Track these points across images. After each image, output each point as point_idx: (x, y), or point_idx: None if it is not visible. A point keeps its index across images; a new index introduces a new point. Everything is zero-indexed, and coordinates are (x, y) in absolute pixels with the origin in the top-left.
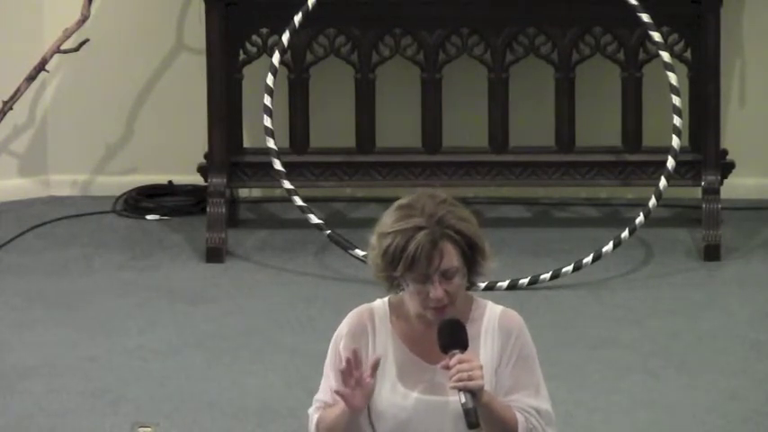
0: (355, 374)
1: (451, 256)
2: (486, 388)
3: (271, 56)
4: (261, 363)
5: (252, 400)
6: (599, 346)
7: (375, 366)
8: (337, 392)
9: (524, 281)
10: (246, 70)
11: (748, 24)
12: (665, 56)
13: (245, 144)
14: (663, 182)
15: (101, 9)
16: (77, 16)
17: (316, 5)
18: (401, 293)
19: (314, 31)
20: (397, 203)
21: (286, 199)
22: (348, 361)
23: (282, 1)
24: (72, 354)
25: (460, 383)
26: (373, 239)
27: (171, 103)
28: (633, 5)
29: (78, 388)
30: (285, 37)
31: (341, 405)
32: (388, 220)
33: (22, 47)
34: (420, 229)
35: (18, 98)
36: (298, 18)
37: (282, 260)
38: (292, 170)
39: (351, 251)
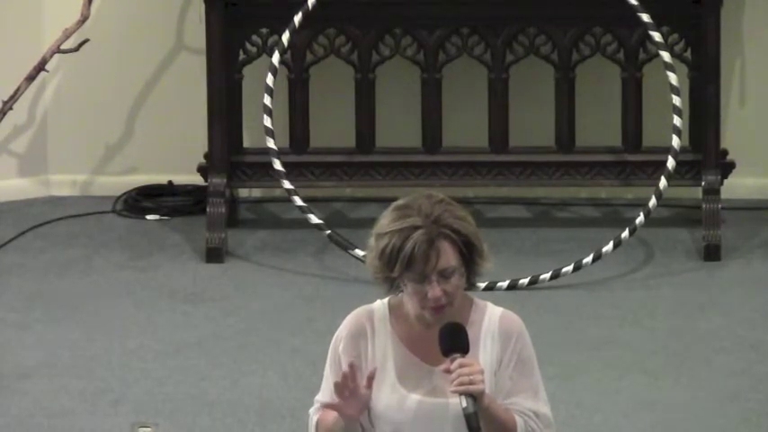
0: (350, 386)
1: (449, 256)
2: (486, 391)
3: (271, 56)
4: (261, 363)
5: (252, 400)
6: (599, 346)
7: (371, 378)
8: (328, 405)
9: (524, 281)
10: (246, 70)
11: (748, 24)
12: (665, 56)
13: (245, 144)
14: (663, 182)
15: (101, 9)
16: (77, 16)
17: (316, 5)
18: (400, 295)
19: (314, 31)
20: (393, 204)
21: (286, 199)
22: (344, 375)
23: (282, 1)
24: (72, 354)
25: (462, 387)
26: (371, 241)
27: (171, 103)
28: (633, 5)
29: (78, 388)
30: (285, 37)
31: (335, 413)
32: (385, 220)
33: (22, 47)
34: (416, 228)
35: (18, 98)
36: (298, 18)
37: (282, 260)
38: (292, 170)
39: (351, 251)
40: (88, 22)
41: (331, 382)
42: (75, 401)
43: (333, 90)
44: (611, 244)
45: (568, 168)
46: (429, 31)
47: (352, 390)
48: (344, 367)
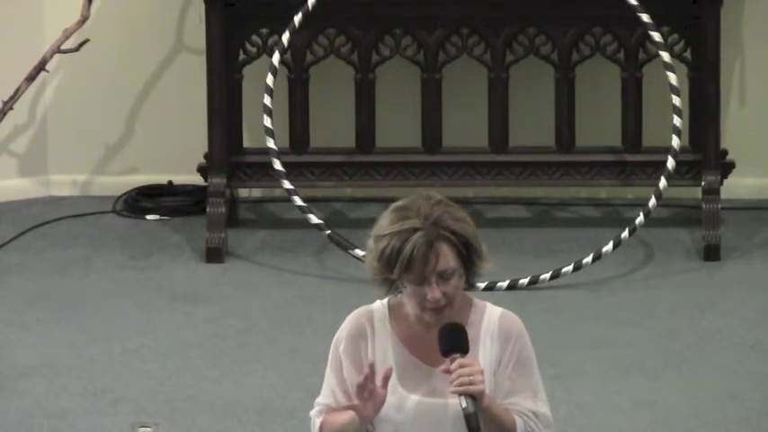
0: (369, 387)
1: (448, 257)
2: (485, 391)
3: (271, 56)
4: (261, 363)
5: (252, 400)
6: (599, 346)
7: (387, 378)
8: (349, 407)
9: (524, 281)
10: (246, 70)
11: (748, 24)
12: (665, 56)
13: (245, 144)
14: (663, 182)
15: (101, 9)
16: (77, 16)
17: (316, 5)
18: (400, 295)
19: (314, 31)
20: (392, 206)
21: (286, 199)
22: (366, 376)
23: (282, 1)
24: (72, 354)
25: (461, 388)
26: (370, 242)
27: (171, 103)
28: (633, 5)
29: (78, 388)
30: (285, 37)
31: (349, 413)
32: (384, 222)
33: (22, 47)
34: (416, 230)
35: (18, 98)
36: (298, 18)
37: (282, 260)
38: (292, 170)
39: (351, 251)
40: (88, 22)
41: (332, 383)
42: (75, 401)
43: (333, 90)
44: (611, 244)
45: (568, 168)
46: (429, 31)
47: (371, 391)
48: (345, 368)
